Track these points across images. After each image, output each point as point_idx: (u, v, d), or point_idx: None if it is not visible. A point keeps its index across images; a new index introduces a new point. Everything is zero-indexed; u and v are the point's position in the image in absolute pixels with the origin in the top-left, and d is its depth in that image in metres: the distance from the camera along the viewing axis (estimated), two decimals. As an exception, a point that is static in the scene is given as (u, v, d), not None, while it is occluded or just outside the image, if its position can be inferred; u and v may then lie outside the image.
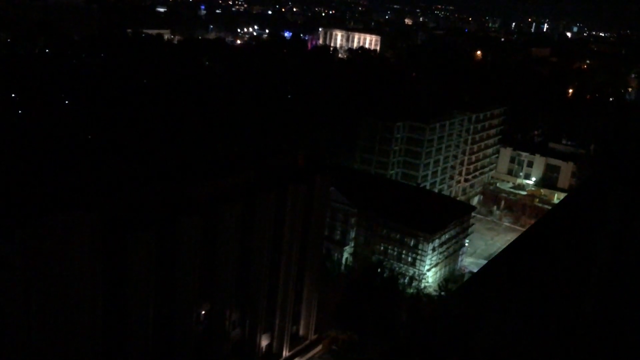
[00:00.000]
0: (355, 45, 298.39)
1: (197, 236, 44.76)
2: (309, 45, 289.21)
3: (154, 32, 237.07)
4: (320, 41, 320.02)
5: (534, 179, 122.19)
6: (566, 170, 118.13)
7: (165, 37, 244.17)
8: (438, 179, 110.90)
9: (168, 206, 43.47)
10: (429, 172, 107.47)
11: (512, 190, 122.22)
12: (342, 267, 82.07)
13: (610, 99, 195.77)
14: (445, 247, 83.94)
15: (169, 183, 45.20)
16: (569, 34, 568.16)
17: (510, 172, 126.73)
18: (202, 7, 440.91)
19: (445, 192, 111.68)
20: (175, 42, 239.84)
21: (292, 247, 56.42)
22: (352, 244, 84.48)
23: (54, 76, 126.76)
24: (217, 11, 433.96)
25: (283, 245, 55.40)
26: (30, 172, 43.37)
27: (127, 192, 42.21)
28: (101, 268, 38.19)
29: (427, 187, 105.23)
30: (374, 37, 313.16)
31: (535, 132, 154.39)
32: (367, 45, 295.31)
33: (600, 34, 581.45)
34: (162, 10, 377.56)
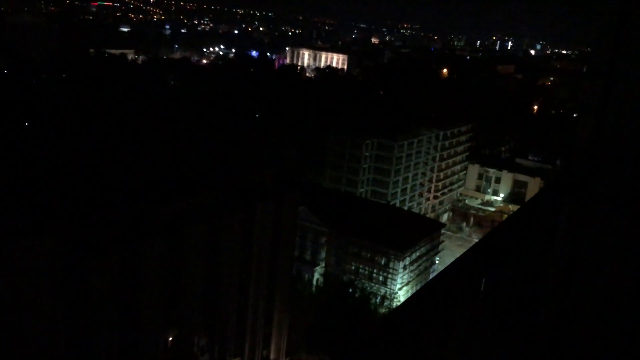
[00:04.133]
0: (322, 64, 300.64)
1: (162, 259, 43.73)
2: (276, 64, 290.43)
3: (117, 52, 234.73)
4: (288, 60, 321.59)
5: (502, 195, 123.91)
6: (533, 185, 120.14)
7: (130, 57, 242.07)
8: (407, 197, 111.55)
9: (131, 228, 42.47)
10: (399, 190, 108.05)
11: (480, 206, 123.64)
12: (313, 288, 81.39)
13: (574, 114, 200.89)
14: (416, 265, 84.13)
15: (132, 204, 44.33)
16: (532, 52, 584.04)
17: (478, 189, 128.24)
18: (167, 26, 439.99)
19: (415, 210, 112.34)
20: (140, 62, 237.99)
21: (261, 268, 55.68)
22: (323, 264, 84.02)
23: (13, 97, 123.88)
24: (182, 31, 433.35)
25: (252, 267, 54.62)
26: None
27: (89, 214, 41.16)
28: (62, 295, 36.91)
29: (397, 205, 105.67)
30: (340, 56, 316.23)
31: (502, 148, 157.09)
32: (334, 64, 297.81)
33: (563, 51, 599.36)
34: (125, 29, 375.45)
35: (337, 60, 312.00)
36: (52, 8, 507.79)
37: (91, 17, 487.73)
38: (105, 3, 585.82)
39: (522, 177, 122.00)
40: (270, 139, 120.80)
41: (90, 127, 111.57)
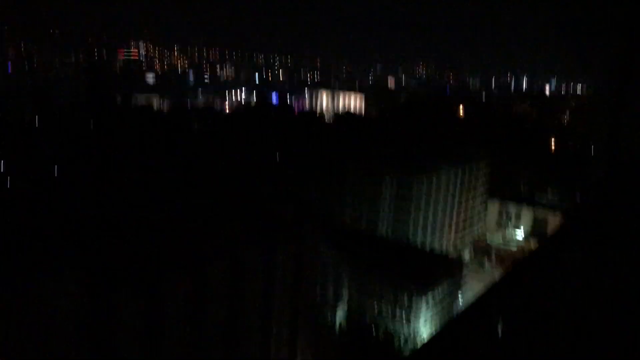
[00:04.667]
0: (340, 104, 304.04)
1: (184, 296, 43.65)
2: (296, 108, 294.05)
3: (142, 98, 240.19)
4: (307, 101, 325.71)
5: (523, 230, 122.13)
6: (554, 220, 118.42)
7: (154, 102, 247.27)
8: (429, 234, 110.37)
9: (155, 264, 42.72)
10: (419, 227, 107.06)
11: (502, 243, 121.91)
12: (336, 327, 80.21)
13: (591, 148, 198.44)
14: (439, 302, 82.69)
15: (156, 242, 44.74)
16: (547, 88, 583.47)
17: (499, 225, 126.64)
18: (191, 74, 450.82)
19: (437, 247, 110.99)
20: (164, 108, 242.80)
21: (283, 307, 55.17)
22: (345, 303, 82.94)
23: (41, 144, 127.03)
24: (206, 78, 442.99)
25: (274, 306, 54.14)
26: (17, 235, 42.74)
27: (114, 250, 41.60)
28: (87, 331, 36.96)
29: (418, 243, 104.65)
30: (358, 96, 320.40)
31: (522, 184, 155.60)
32: (352, 104, 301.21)
33: (578, 86, 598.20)
34: (151, 77, 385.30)
35: (355, 99, 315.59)
36: (82, 58, 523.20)
37: (118, 66, 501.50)
38: (132, 51, 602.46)
39: (542, 213, 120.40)
40: (291, 179, 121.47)
41: (115, 170, 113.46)
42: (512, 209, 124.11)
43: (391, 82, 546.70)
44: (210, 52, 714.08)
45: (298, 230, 57.62)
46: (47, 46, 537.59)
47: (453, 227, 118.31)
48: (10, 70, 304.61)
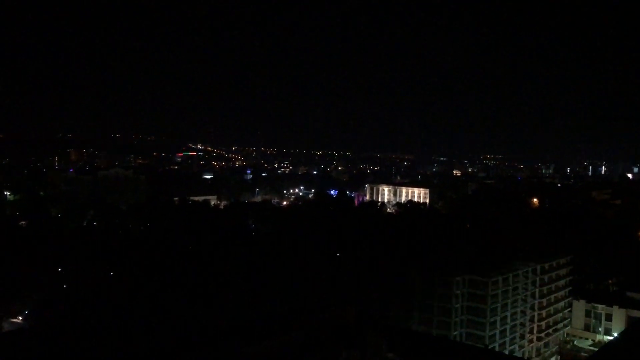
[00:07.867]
0: (403, 199, 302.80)
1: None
2: (356, 201, 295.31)
3: (200, 198, 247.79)
4: (367, 197, 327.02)
5: (615, 333, 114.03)
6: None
7: (212, 202, 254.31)
8: (507, 339, 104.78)
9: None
10: (497, 331, 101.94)
11: (592, 348, 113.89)
12: None
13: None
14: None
15: (212, 347, 44.41)
16: (630, 175, 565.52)
17: (587, 328, 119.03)
18: (248, 171, 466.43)
19: (518, 354, 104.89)
20: (222, 206, 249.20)
21: None
22: (417, 419, 78.20)
23: (100, 247, 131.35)
24: (263, 175, 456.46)
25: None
26: (73, 340, 43.53)
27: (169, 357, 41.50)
28: None
29: (497, 348, 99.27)
30: (422, 190, 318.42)
31: (610, 281, 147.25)
32: (415, 198, 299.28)
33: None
34: (209, 177, 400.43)
35: (419, 194, 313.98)
36: (141, 160, 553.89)
37: (176, 167, 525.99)
38: (190, 153, 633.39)
39: (637, 313, 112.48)
40: (354, 279, 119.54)
41: (173, 272, 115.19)
42: (601, 309, 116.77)
43: (457, 173, 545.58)
44: (268, 149, 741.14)
45: (361, 334, 55.87)
46: (108, 150, 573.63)
47: (535, 330, 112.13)
48: (72, 173, 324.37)
